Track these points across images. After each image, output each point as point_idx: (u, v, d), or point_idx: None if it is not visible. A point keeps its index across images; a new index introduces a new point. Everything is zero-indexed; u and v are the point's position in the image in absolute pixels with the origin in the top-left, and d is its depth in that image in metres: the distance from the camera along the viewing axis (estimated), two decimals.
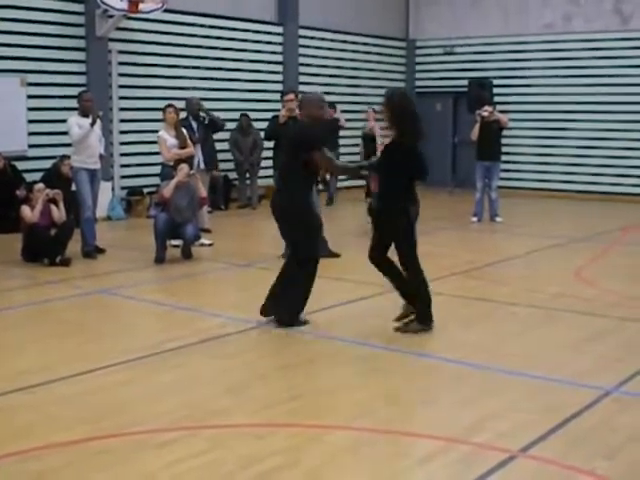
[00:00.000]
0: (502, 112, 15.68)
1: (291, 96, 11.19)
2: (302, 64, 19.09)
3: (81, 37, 14.75)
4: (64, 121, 11.42)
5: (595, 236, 13.47)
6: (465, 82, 19.81)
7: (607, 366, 6.60)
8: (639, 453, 4.94)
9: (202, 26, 16.83)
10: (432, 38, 21.77)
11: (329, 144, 8.69)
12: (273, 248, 11.40)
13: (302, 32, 19.02)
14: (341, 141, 17.40)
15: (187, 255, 11.04)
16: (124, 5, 14.33)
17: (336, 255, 10.85)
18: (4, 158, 13.21)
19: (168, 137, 11.86)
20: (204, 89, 16.53)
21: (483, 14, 20.78)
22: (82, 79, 14.72)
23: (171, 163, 11.56)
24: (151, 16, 15.04)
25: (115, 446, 4.93)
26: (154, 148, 12.83)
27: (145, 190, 15.67)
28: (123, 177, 15.65)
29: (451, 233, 14.10)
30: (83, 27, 14.75)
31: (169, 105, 12.19)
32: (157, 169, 12.42)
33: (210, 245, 12.11)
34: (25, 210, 10.82)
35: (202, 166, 13.56)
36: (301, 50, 19.06)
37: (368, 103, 16.96)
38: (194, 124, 13.79)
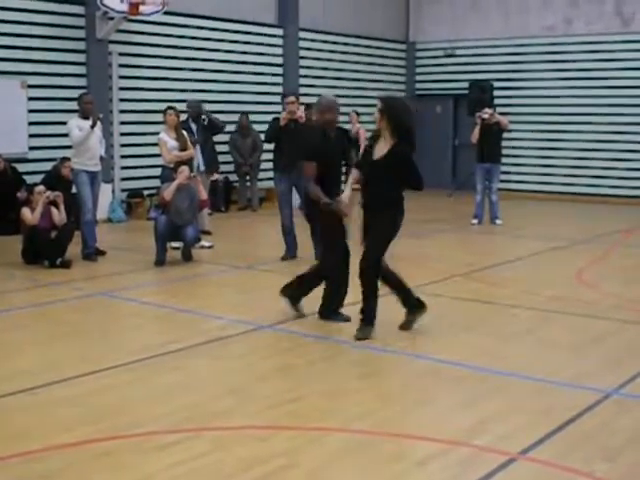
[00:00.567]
0: (502, 114, 15.69)
1: (292, 98, 11.20)
2: (302, 66, 19.09)
3: (81, 39, 14.77)
4: (64, 123, 11.42)
5: (596, 238, 13.48)
6: (465, 84, 19.82)
7: (607, 368, 6.60)
8: (639, 455, 4.94)
9: (202, 28, 16.84)
10: (432, 40, 21.79)
11: (346, 154, 8.61)
12: (274, 250, 11.43)
13: (302, 34, 19.02)
14: None
15: (187, 257, 11.05)
16: (124, 7, 14.35)
17: None
18: (5, 160, 13.21)
19: (169, 139, 11.88)
20: (205, 91, 16.54)
21: (483, 16, 20.80)
22: (82, 81, 14.73)
23: (171, 165, 11.57)
24: (151, 18, 15.05)
25: (116, 448, 4.94)
26: (154, 150, 12.84)
27: (145, 192, 15.68)
28: (123, 179, 15.66)
29: (451, 235, 14.11)
30: (83, 29, 14.76)
31: (170, 107, 12.21)
32: (157, 171, 12.43)
33: (210, 247, 12.12)
34: (25, 212, 10.83)
35: (202, 168, 13.58)
36: (301, 52, 19.06)
37: (368, 105, 16.96)
38: (194, 126, 13.81)
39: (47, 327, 7.96)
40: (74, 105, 11.60)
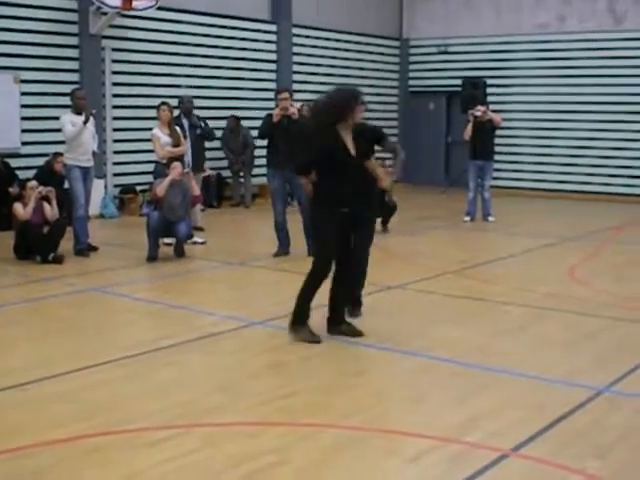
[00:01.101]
0: (495, 112, 15.70)
1: (285, 94, 11.15)
2: (296, 62, 19.08)
3: (74, 34, 14.75)
4: (57, 118, 11.41)
5: (588, 235, 13.50)
6: (459, 81, 19.82)
7: (599, 365, 6.61)
8: (630, 453, 4.95)
9: (195, 24, 16.82)
10: (426, 37, 21.78)
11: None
12: (266, 247, 11.42)
13: (296, 30, 19.02)
14: None
15: (180, 253, 11.04)
16: (117, 2, 14.33)
17: None
18: None
19: (162, 135, 11.86)
20: (197, 87, 16.52)
21: (477, 13, 20.81)
22: (75, 77, 14.71)
23: (164, 161, 11.55)
24: (145, 13, 15.04)
25: (106, 444, 4.93)
26: (147, 146, 12.82)
27: (138, 188, 15.66)
28: (116, 175, 15.64)
29: (444, 232, 14.12)
30: (76, 24, 14.74)
31: (163, 103, 12.18)
32: (150, 167, 12.43)
33: (203, 243, 12.11)
34: (18, 207, 10.80)
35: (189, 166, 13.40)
36: (295, 49, 19.05)
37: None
38: (185, 122, 13.71)
39: (39, 323, 7.95)
40: (67, 100, 11.57)
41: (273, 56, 18.61)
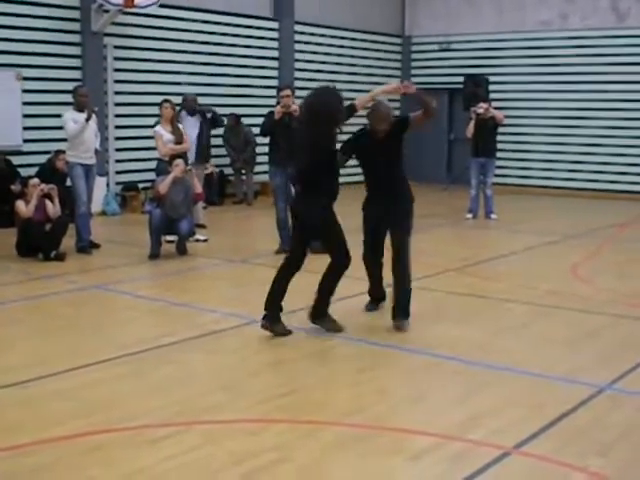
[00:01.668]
0: (497, 109, 15.67)
1: (287, 92, 11.12)
2: (298, 60, 19.07)
3: (76, 32, 14.73)
4: (59, 116, 11.40)
5: (591, 233, 13.48)
6: (461, 78, 19.79)
7: (601, 363, 6.60)
8: (632, 450, 4.94)
9: (197, 21, 16.80)
10: (428, 34, 21.76)
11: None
12: (268, 244, 11.41)
13: (298, 28, 19.00)
14: None
15: (182, 251, 11.03)
16: (119, 0, 14.31)
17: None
18: None
19: (164, 132, 11.85)
20: (199, 84, 16.51)
21: (479, 10, 20.78)
22: (77, 74, 14.69)
23: (167, 158, 11.54)
24: (147, 11, 15.00)
25: (107, 442, 4.92)
26: (149, 143, 12.81)
27: (140, 185, 15.65)
28: (118, 172, 15.63)
29: (446, 230, 14.10)
30: (79, 22, 14.72)
31: (165, 100, 12.17)
32: (152, 164, 12.41)
33: (205, 241, 12.10)
34: (20, 205, 10.80)
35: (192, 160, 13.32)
36: (297, 46, 19.04)
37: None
38: (190, 119, 13.65)
39: (40, 320, 7.94)
40: (69, 98, 11.55)
41: (275, 53, 18.60)
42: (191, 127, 13.34)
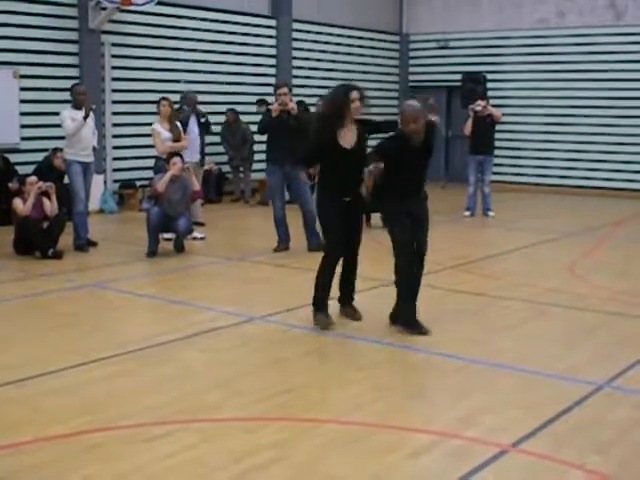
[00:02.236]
0: (495, 106, 15.66)
1: (284, 89, 11.11)
2: (295, 57, 19.04)
3: (74, 29, 14.71)
4: (57, 114, 11.39)
5: (588, 231, 13.49)
6: (459, 76, 19.79)
7: (599, 361, 6.60)
8: (630, 448, 4.94)
9: (195, 19, 16.78)
10: (426, 32, 21.75)
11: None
12: (266, 242, 11.40)
13: (296, 25, 18.98)
14: None
15: (179, 249, 11.02)
16: None
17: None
18: None
19: (162, 130, 11.84)
20: (197, 82, 16.49)
21: (477, 8, 20.77)
22: (75, 72, 14.68)
23: (164, 156, 11.53)
24: (144, 9, 14.96)
25: (106, 440, 4.92)
26: (147, 141, 12.80)
27: (138, 183, 15.64)
28: (116, 170, 15.62)
29: (444, 227, 14.06)
30: (76, 19, 14.70)
31: (163, 98, 12.17)
32: (150, 162, 12.40)
33: (202, 239, 12.09)
34: (17, 203, 10.79)
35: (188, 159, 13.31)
36: (294, 44, 19.01)
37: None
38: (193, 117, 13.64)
39: (38, 318, 7.92)
40: (67, 95, 11.56)
41: (272, 51, 18.57)
42: (194, 125, 13.37)
